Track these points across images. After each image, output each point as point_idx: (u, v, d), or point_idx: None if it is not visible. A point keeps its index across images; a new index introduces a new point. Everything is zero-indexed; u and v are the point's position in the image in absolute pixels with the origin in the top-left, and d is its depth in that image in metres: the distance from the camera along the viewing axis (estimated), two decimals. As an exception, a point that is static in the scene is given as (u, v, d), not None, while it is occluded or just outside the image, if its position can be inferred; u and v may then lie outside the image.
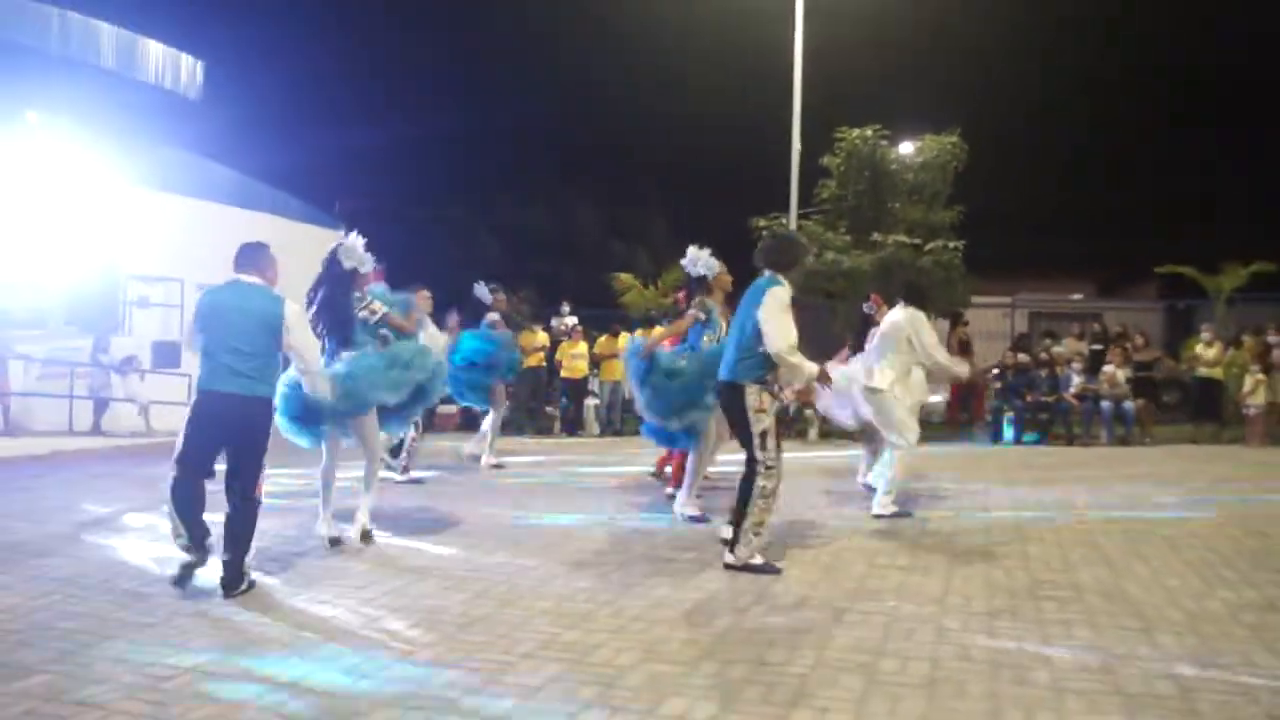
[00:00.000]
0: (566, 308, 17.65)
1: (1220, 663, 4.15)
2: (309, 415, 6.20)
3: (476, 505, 8.17)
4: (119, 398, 15.21)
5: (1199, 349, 14.67)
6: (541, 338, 15.55)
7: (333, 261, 6.71)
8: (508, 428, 14.40)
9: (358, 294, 6.73)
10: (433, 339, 8.11)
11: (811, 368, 5.81)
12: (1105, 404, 13.81)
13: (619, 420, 15.60)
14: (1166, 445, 13.49)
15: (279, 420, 6.06)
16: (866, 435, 8.65)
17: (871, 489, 7.99)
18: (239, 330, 5.37)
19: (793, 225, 17.80)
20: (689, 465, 7.58)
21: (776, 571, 5.69)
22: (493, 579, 5.59)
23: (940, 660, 4.18)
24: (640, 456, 10.48)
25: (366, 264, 6.79)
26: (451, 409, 15.41)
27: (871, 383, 7.58)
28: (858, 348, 8.46)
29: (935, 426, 14.81)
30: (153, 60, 18.13)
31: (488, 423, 10.70)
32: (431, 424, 15.86)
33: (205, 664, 4.14)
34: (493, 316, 10.47)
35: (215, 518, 5.34)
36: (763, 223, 18.33)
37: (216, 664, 4.15)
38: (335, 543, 6.47)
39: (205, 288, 6.20)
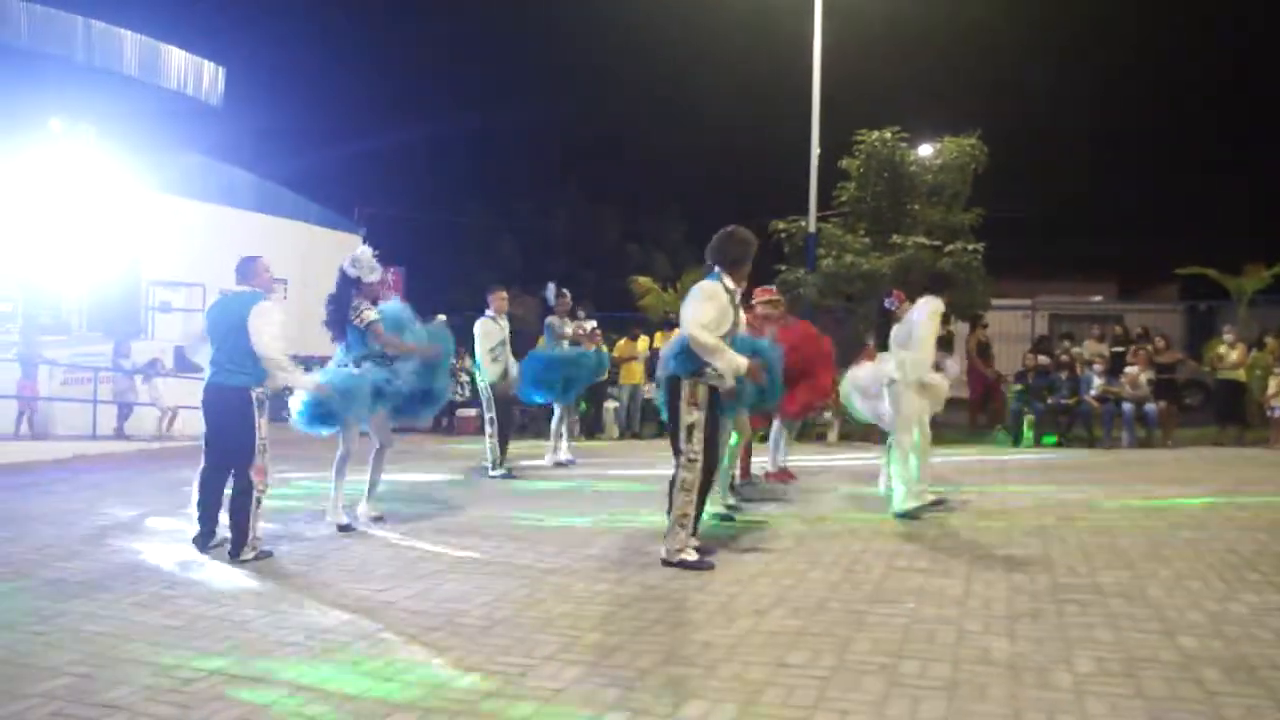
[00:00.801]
0: (583, 312, 17.68)
1: (1246, 666, 4.12)
2: (313, 411, 6.86)
3: (496, 508, 8.21)
4: (143, 402, 15.32)
5: (1221, 350, 14.56)
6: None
7: (340, 269, 7.32)
8: (524, 431, 14.52)
9: (356, 302, 7.16)
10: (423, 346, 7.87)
11: (734, 356, 5.72)
12: (1127, 406, 13.72)
13: (638, 423, 15.61)
14: (1189, 448, 13.40)
15: (294, 414, 6.87)
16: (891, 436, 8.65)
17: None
18: (222, 331, 6.25)
19: (811, 227, 17.77)
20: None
21: (708, 567, 5.80)
22: (513, 582, 5.60)
23: (961, 663, 4.17)
24: (660, 460, 10.48)
25: (373, 273, 7.33)
26: (470, 412, 15.48)
27: (891, 371, 7.60)
28: (881, 347, 8.45)
29: (954, 430, 14.78)
30: (175, 67, 18.29)
31: (556, 422, 11.30)
32: (452, 426, 15.96)
33: (228, 667, 4.17)
34: (552, 320, 10.97)
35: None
36: (781, 225, 18.32)
37: (239, 666, 4.17)
38: (345, 529, 7.03)
39: (225, 293, 6.50)
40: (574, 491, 9.32)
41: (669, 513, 5.95)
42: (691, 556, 5.89)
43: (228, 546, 6.20)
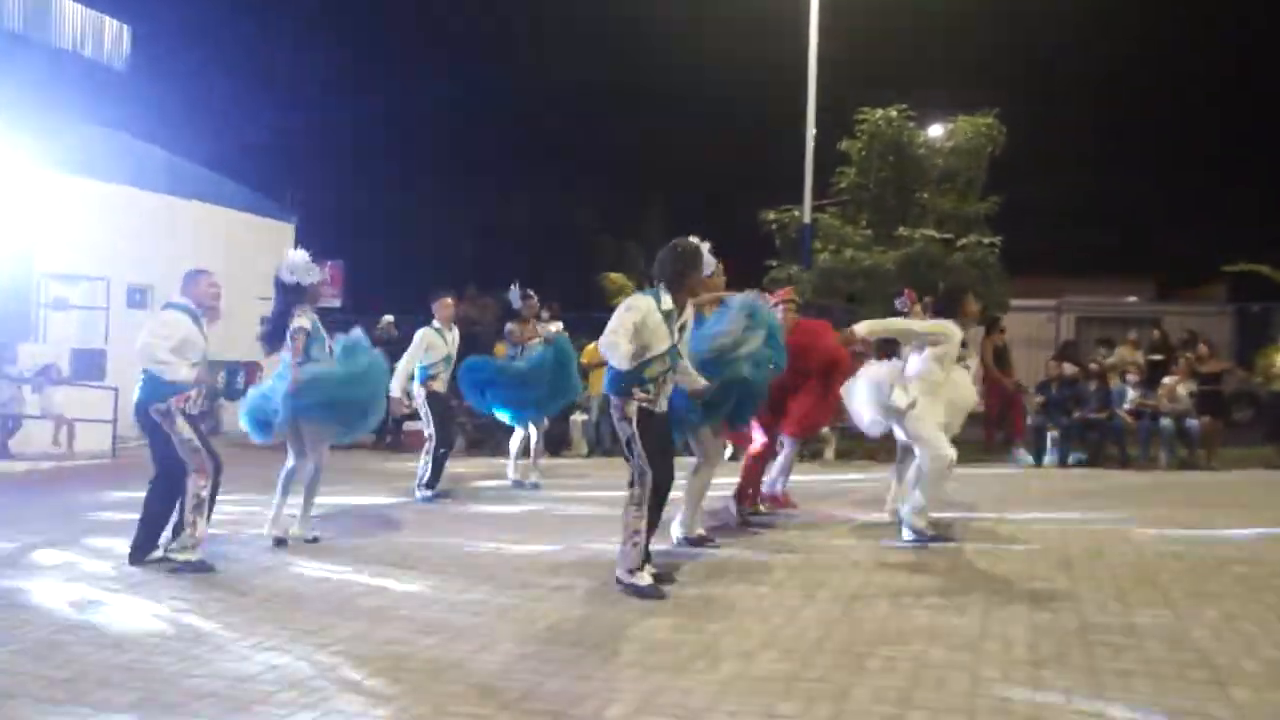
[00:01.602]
0: (547, 314, 17.65)
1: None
2: (254, 419, 7.83)
3: (447, 534, 8.18)
4: (33, 415, 15.12)
5: (1276, 358, 14.65)
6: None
7: (276, 280, 7.76)
8: (477, 448, 14.48)
9: (299, 308, 7.67)
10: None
11: (622, 349, 6.07)
12: (1165, 421, 13.83)
13: (609, 438, 15.60)
14: (1237, 469, 13.51)
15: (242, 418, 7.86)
16: (900, 454, 8.72)
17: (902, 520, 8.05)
18: None
19: (806, 218, 17.86)
20: (687, 487, 7.66)
21: (659, 597, 6.06)
22: (467, 620, 5.58)
23: (976, 714, 4.18)
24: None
25: (311, 274, 7.78)
26: (417, 425, 15.40)
27: (892, 403, 7.71)
28: (888, 354, 8.52)
29: (968, 447, 14.85)
30: (70, 23, 18.12)
31: (518, 441, 11.33)
32: (398, 441, 15.89)
33: (134, 720, 4.13)
34: (512, 326, 10.96)
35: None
36: (773, 216, 18.44)
37: None
38: (280, 543, 7.61)
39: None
40: (536, 515, 9.30)
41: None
42: (644, 582, 6.18)
43: (164, 556, 6.90)
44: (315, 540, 7.78)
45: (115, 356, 16.81)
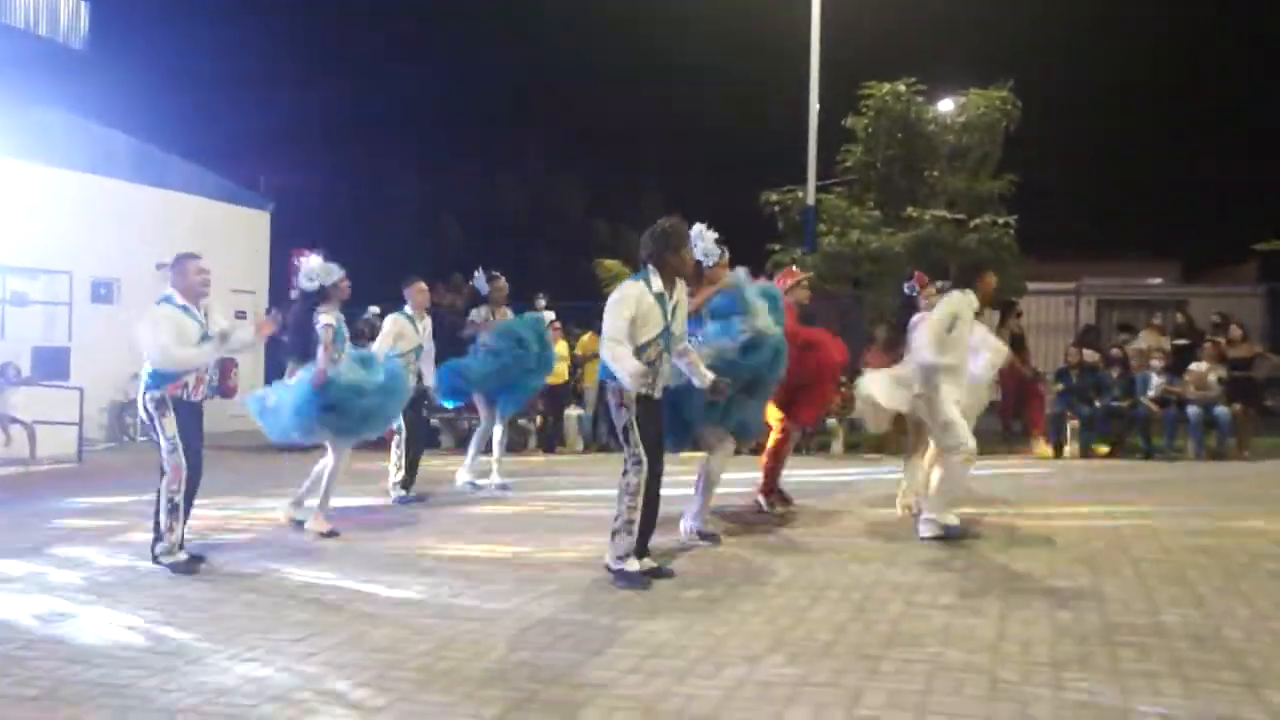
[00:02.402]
0: (542, 300, 17.64)
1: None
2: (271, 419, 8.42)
3: (438, 538, 8.21)
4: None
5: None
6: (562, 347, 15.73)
7: (298, 289, 8.60)
8: (465, 444, 14.42)
9: (323, 307, 8.43)
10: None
11: (628, 367, 6.27)
12: (1192, 410, 13.85)
13: (605, 433, 15.62)
14: (1270, 459, 13.55)
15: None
16: (910, 448, 8.75)
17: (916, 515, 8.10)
18: None
19: (810, 199, 17.86)
20: (697, 480, 7.84)
21: (644, 586, 6.36)
22: (458, 626, 5.59)
23: (995, 719, 4.20)
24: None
25: (330, 275, 8.56)
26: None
27: (912, 387, 7.77)
28: (894, 343, 8.54)
29: (984, 438, 14.87)
30: (21, 0, 18.02)
31: (479, 440, 11.12)
32: (381, 441, 15.89)
33: (108, 736, 4.14)
34: (479, 312, 10.76)
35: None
36: (774, 197, 18.41)
37: (122, 735, 4.15)
38: (298, 524, 8.49)
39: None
40: (530, 516, 9.32)
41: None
42: (633, 568, 6.47)
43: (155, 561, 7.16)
44: (333, 534, 8.34)
45: (79, 354, 16.81)
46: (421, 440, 10.80)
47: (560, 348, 15.86)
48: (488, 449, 11.11)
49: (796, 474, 10.46)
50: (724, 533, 8.03)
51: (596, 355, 15.27)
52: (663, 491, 6.74)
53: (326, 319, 8.38)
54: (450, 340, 10.67)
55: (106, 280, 18.11)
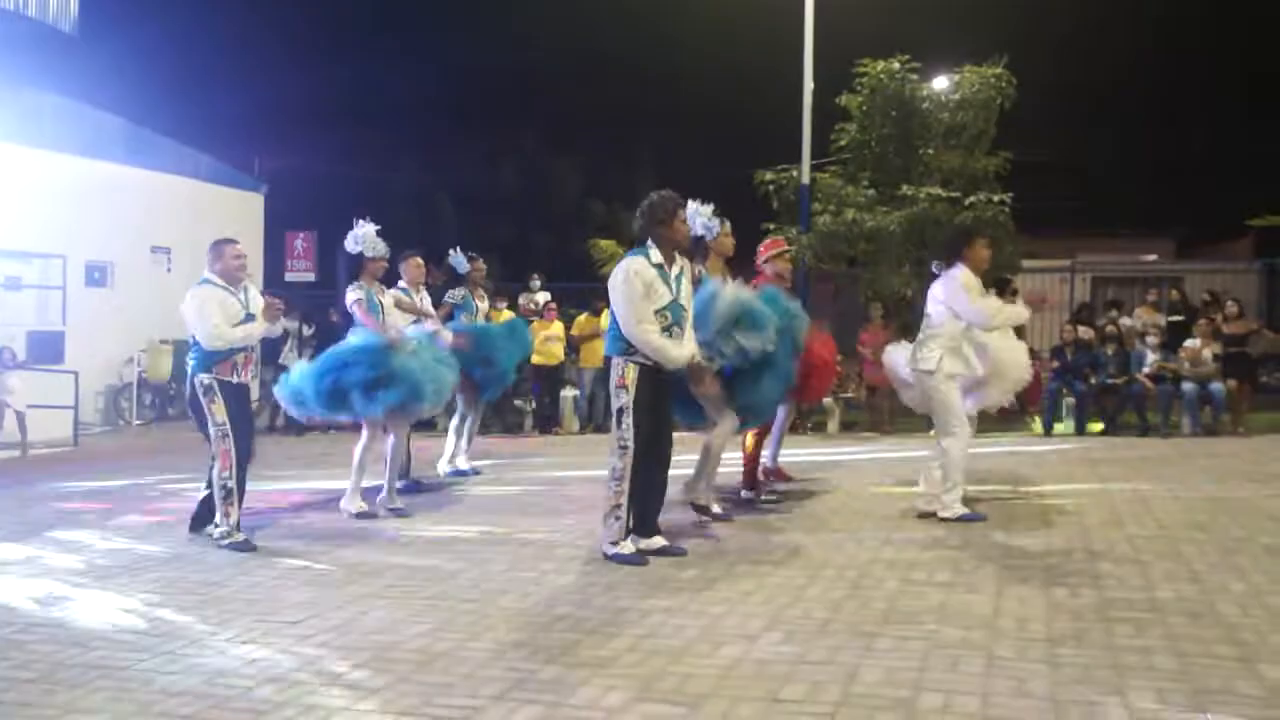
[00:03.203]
0: (537, 281, 17.65)
1: (1334, 694, 4.17)
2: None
3: (435, 519, 8.23)
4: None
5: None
6: (605, 321, 15.60)
7: (344, 249, 8.67)
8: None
9: (359, 281, 8.57)
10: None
11: (678, 352, 6.46)
12: (1188, 386, 13.87)
13: (602, 414, 15.62)
14: (1266, 435, 13.59)
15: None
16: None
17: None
18: None
19: (805, 178, 17.82)
20: (702, 449, 7.80)
21: (642, 563, 6.43)
22: (455, 607, 5.61)
23: (992, 696, 4.21)
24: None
25: (376, 249, 8.67)
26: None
27: (917, 364, 7.73)
28: (903, 327, 8.55)
29: (979, 418, 14.88)
30: (12, -17, 17.88)
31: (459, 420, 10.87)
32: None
33: None
34: (456, 293, 10.49)
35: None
36: (769, 176, 18.36)
37: None
38: (365, 516, 8.30)
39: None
40: (526, 497, 9.33)
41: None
42: (628, 550, 6.55)
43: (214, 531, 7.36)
44: (399, 510, 8.49)
45: (74, 338, 16.77)
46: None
47: (555, 328, 15.90)
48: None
49: (792, 453, 10.48)
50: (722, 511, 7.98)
51: (592, 336, 15.42)
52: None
53: (354, 295, 8.52)
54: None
55: (100, 264, 18.05)
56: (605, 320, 15.87)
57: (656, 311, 6.47)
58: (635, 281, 6.42)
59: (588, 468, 10.81)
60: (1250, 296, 19.33)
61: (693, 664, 4.62)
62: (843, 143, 18.50)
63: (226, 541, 7.21)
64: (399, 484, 9.83)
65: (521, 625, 5.26)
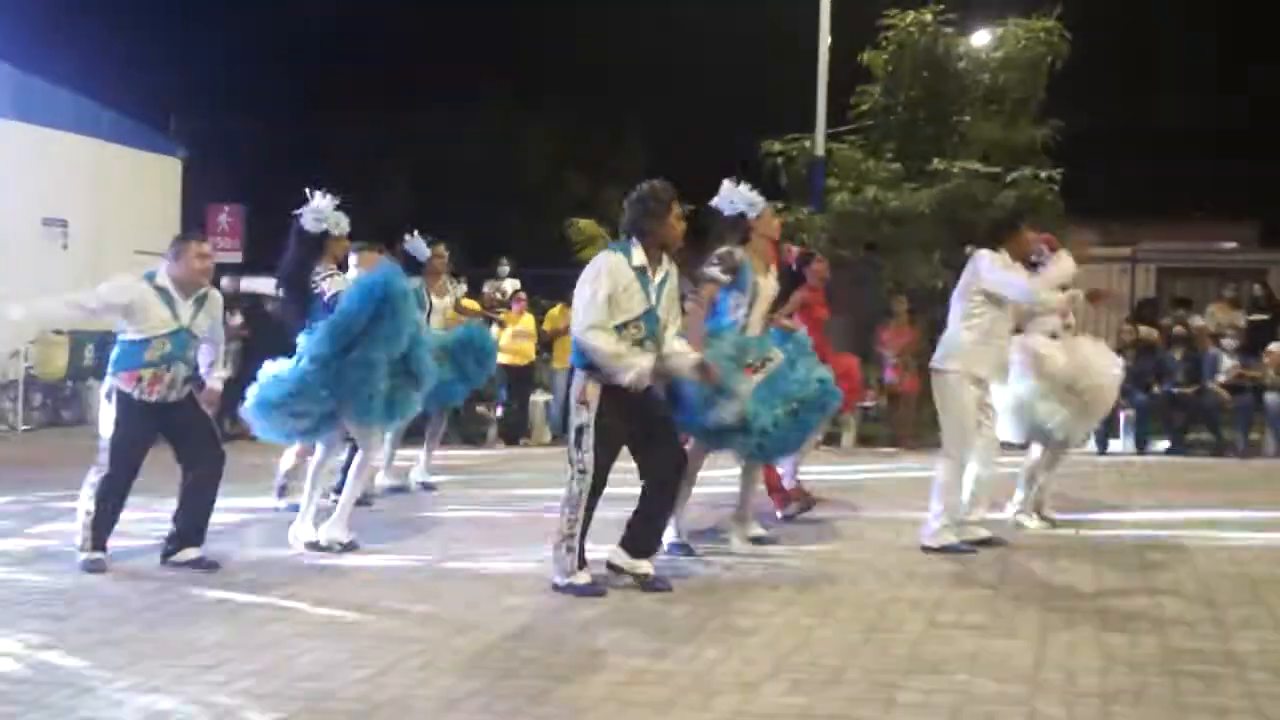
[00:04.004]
0: (505, 268, 17.64)
1: None
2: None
3: (375, 546, 8.18)
4: None
5: None
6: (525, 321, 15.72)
7: (297, 228, 8.15)
8: (412, 436, 14.39)
9: (319, 267, 8.08)
10: None
11: (635, 360, 6.37)
12: (1271, 397, 13.88)
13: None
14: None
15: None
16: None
17: (1045, 519, 8.51)
18: None
19: (819, 150, 17.84)
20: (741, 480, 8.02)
21: (599, 594, 6.49)
22: (403, 647, 5.58)
23: (1034, 757, 4.21)
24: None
25: (341, 227, 8.28)
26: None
27: (933, 360, 7.80)
28: (931, 325, 8.59)
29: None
30: None
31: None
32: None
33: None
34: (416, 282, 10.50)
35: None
36: (777, 147, 18.37)
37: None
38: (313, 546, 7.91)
39: None
40: (485, 520, 9.32)
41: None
42: (582, 581, 6.60)
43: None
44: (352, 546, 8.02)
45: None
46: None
47: (526, 323, 15.88)
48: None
49: (802, 472, 10.45)
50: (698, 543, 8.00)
51: (567, 332, 15.39)
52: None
53: (334, 285, 8.05)
54: None
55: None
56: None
57: (629, 322, 6.47)
58: (605, 281, 6.42)
59: (561, 485, 10.78)
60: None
61: (684, 716, 4.61)
62: (864, 108, 18.56)
63: (82, 557, 7.24)
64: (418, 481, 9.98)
65: (478, 671, 5.23)
